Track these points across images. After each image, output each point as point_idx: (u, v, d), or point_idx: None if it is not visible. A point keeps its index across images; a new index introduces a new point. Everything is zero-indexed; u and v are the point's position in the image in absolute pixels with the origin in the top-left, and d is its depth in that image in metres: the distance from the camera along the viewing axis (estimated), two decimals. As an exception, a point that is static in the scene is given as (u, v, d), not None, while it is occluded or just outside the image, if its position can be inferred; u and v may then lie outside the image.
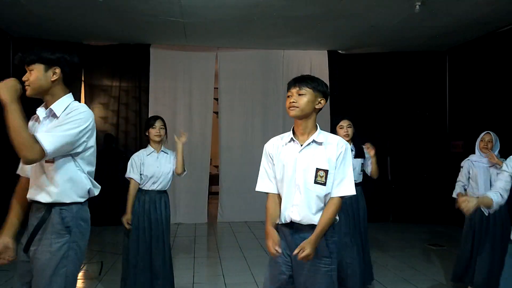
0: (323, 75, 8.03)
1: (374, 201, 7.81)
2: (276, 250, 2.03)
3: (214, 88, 8.02)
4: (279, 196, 2.18)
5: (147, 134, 3.70)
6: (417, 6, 5.28)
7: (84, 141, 1.96)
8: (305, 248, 1.96)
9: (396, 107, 7.96)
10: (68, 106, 1.98)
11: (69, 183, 1.96)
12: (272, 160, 2.20)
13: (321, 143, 2.13)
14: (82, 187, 2.00)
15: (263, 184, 2.22)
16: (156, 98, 7.66)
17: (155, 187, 3.61)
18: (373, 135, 7.91)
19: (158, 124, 3.65)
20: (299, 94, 2.11)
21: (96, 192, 2.11)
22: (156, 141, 3.65)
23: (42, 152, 1.78)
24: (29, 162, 1.81)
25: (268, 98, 8.00)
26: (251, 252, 5.52)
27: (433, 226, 7.32)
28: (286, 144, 2.18)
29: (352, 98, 7.94)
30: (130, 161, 3.64)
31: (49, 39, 6.85)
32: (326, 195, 2.09)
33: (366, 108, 7.91)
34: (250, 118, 7.82)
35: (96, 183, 2.10)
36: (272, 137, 2.28)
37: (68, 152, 1.92)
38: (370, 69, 7.98)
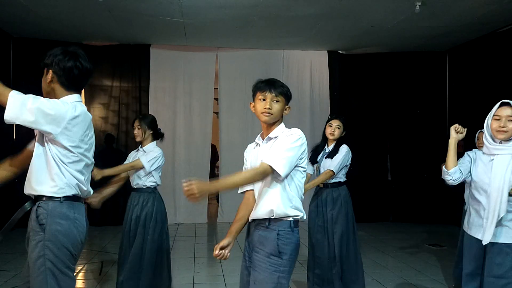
0: (323, 75, 8.04)
1: (374, 201, 7.84)
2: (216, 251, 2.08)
3: (214, 88, 8.01)
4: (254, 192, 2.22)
5: None
6: (417, 6, 5.28)
7: (54, 121, 1.92)
8: (193, 185, 1.84)
9: (396, 107, 7.96)
10: None
11: (47, 175, 1.97)
12: (247, 162, 2.30)
13: (275, 137, 2.16)
14: (61, 182, 1.98)
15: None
16: (156, 98, 7.66)
17: (133, 185, 3.63)
18: (373, 135, 7.93)
19: (135, 124, 3.65)
20: (276, 101, 2.12)
21: (85, 188, 2.07)
22: (138, 141, 3.67)
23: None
24: None
25: (268, 98, 7.99)
26: (251, 252, 5.52)
27: (433, 226, 7.32)
28: (254, 148, 2.27)
29: (352, 98, 7.94)
30: None
31: (49, 39, 6.86)
32: (278, 185, 2.09)
33: (366, 108, 7.91)
34: (250, 118, 7.81)
35: (81, 179, 2.05)
36: None
37: (33, 121, 1.87)
38: (370, 69, 7.98)
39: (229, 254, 2.10)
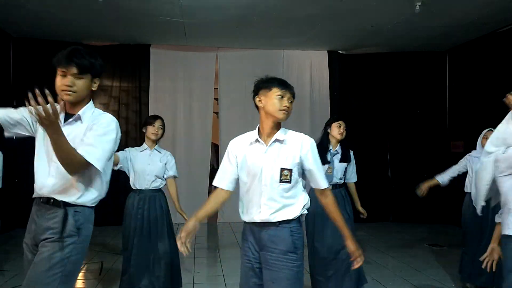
0: (323, 75, 8.04)
1: (374, 201, 7.82)
2: (184, 244, 2.12)
3: (214, 88, 8.02)
4: (226, 193, 2.24)
5: (144, 131, 3.75)
6: (417, 6, 5.28)
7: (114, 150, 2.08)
8: (355, 251, 2.17)
9: (396, 107, 7.96)
10: (93, 113, 2.09)
11: (91, 189, 2.04)
12: (236, 159, 2.21)
13: (283, 140, 2.16)
14: (99, 194, 2.09)
15: (217, 179, 2.26)
16: (156, 98, 7.65)
17: (148, 185, 3.64)
18: (373, 135, 7.94)
19: (157, 123, 3.71)
20: (290, 101, 2.14)
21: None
22: (151, 139, 3.70)
23: (87, 165, 1.90)
24: (75, 174, 1.94)
25: (268, 98, 7.98)
26: (251, 252, 5.52)
27: (433, 226, 7.32)
28: (251, 144, 2.19)
29: (352, 98, 7.94)
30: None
31: (49, 39, 6.85)
32: (290, 191, 2.13)
33: (366, 108, 7.91)
34: (250, 118, 7.79)
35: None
36: None
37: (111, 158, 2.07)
38: (370, 69, 7.98)
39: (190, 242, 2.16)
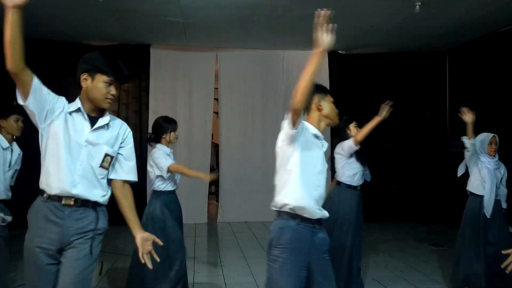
0: (323, 75, 8.03)
1: (374, 201, 7.83)
2: None
3: (214, 88, 8.02)
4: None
5: (164, 136, 3.63)
6: (417, 6, 5.28)
7: None
8: None
9: (396, 107, 7.88)
10: (118, 122, 2.20)
11: (109, 189, 2.19)
12: (303, 132, 2.14)
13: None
14: (109, 191, 2.21)
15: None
16: (156, 98, 7.65)
17: (173, 187, 3.66)
18: (373, 135, 7.92)
19: (177, 128, 3.77)
20: None
21: None
22: (172, 143, 3.71)
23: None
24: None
25: (268, 98, 7.99)
26: (251, 252, 5.53)
27: (433, 226, 7.32)
28: (315, 138, 2.24)
29: (352, 98, 7.93)
30: (159, 153, 3.56)
31: (49, 39, 6.85)
32: None
33: (366, 108, 7.86)
34: (250, 118, 7.82)
35: None
36: (273, 137, 2.32)
37: None
38: (370, 69, 7.98)
39: None
